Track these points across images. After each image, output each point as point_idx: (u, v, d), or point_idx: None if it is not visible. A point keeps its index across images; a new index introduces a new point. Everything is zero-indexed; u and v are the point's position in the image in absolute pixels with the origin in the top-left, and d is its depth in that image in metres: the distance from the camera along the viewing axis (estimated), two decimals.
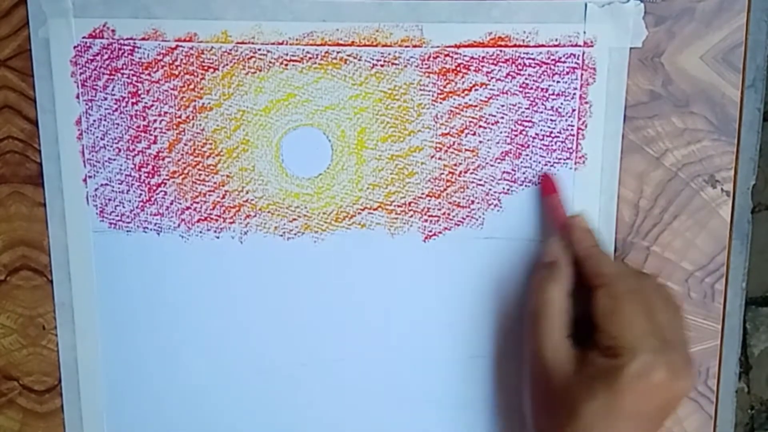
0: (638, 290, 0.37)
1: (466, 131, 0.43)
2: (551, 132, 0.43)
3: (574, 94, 0.42)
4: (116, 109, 0.43)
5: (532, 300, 0.39)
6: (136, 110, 0.43)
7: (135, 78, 0.43)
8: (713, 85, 0.42)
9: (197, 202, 0.44)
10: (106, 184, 0.44)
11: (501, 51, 0.42)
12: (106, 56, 0.43)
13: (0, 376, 0.46)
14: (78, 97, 0.43)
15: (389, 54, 0.42)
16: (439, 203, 0.44)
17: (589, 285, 0.38)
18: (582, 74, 0.42)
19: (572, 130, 0.43)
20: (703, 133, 0.43)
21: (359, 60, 0.42)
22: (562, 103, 0.42)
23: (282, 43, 0.42)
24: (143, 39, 0.42)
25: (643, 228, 0.44)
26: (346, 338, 0.45)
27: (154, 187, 0.44)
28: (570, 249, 0.40)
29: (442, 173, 0.43)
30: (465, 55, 0.42)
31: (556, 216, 0.42)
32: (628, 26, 0.41)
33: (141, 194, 0.44)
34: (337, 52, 0.42)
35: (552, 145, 0.43)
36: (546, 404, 0.38)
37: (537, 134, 0.43)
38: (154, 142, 0.44)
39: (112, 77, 0.43)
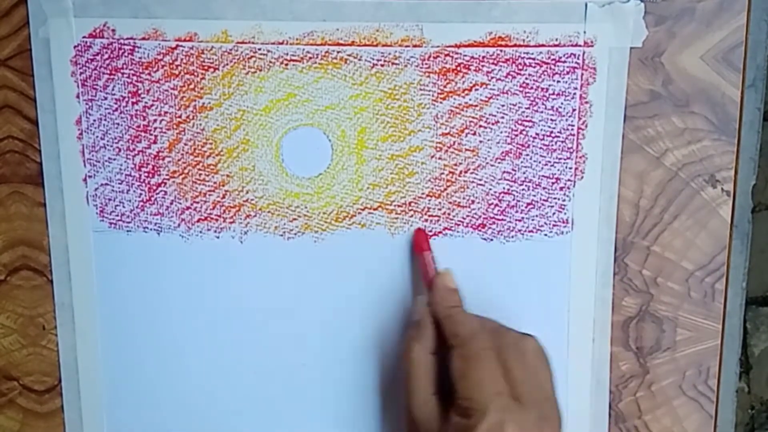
0: (492, 349, 0.37)
1: (467, 131, 0.43)
2: (551, 132, 0.43)
3: (575, 93, 0.42)
4: (116, 109, 0.43)
5: (401, 360, 0.40)
6: (136, 110, 0.43)
7: (135, 78, 0.43)
8: (713, 85, 0.42)
9: (197, 202, 0.44)
10: (106, 184, 0.44)
11: (501, 51, 0.42)
12: (106, 56, 0.43)
13: (0, 376, 0.46)
14: (78, 96, 0.43)
15: (389, 54, 0.42)
16: (439, 203, 0.43)
17: (449, 344, 0.39)
18: (582, 74, 0.42)
19: (572, 129, 0.43)
20: (704, 133, 0.43)
21: (359, 60, 0.42)
22: (562, 103, 0.42)
23: (282, 43, 0.42)
24: (143, 39, 0.42)
25: (644, 228, 0.44)
26: (345, 338, 0.45)
27: (154, 187, 0.44)
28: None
29: (443, 173, 0.43)
30: (465, 55, 0.42)
31: (424, 274, 0.42)
32: (628, 26, 0.41)
33: (141, 194, 0.44)
34: (338, 52, 0.42)
35: (552, 145, 0.43)
36: None
37: (537, 134, 0.43)
38: (154, 142, 0.44)
39: (112, 77, 0.43)
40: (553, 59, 0.42)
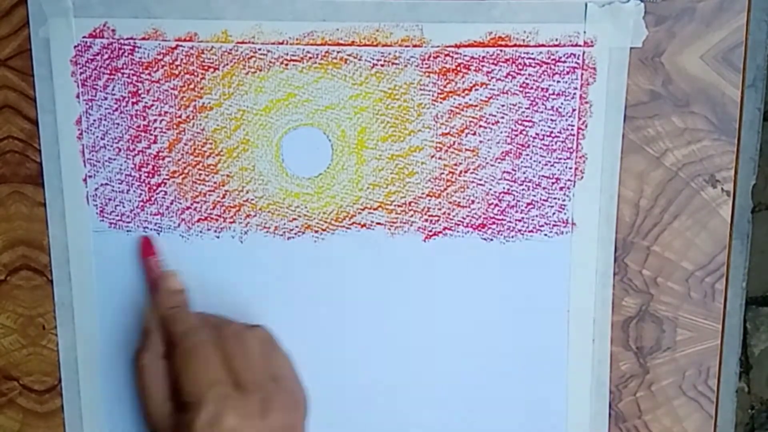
0: (210, 342, 0.38)
1: (467, 131, 0.43)
2: (551, 132, 0.43)
3: (575, 93, 0.42)
4: (116, 109, 0.43)
5: (133, 368, 0.40)
6: (136, 110, 0.43)
7: (135, 78, 0.43)
8: (713, 85, 0.42)
9: (197, 202, 0.44)
10: (106, 184, 0.44)
11: (501, 51, 0.42)
12: (106, 56, 0.43)
13: (0, 376, 0.46)
14: (78, 96, 0.43)
15: (389, 54, 0.42)
16: (440, 203, 0.43)
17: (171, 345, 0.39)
18: (582, 74, 0.42)
19: (572, 129, 0.43)
20: (704, 133, 0.43)
21: (359, 60, 0.42)
22: (562, 103, 0.42)
23: (282, 43, 0.42)
24: (143, 39, 0.42)
25: (644, 227, 0.44)
26: (345, 338, 0.45)
27: (154, 187, 0.44)
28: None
29: (443, 173, 0.43)
30: (465, 55, 0.42)
31: (148, 279, 0.42)
32: (628, 26, 0.41)
33: (141, 194, 0.44)
34: (338, 52, 0.42)
35: (552, 145, 0.43)
36: None
37: (537, 134, 0.43)
38: (154, 142, 0.44)
39: (112, 77, 0.43)
40: (553, 59, 0.42)
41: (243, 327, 0.39)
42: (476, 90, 0.42)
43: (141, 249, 0.43)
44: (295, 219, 0.44)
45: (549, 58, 0.42)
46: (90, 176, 0.44)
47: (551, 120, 0.43)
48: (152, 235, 0.43)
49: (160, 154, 0.44)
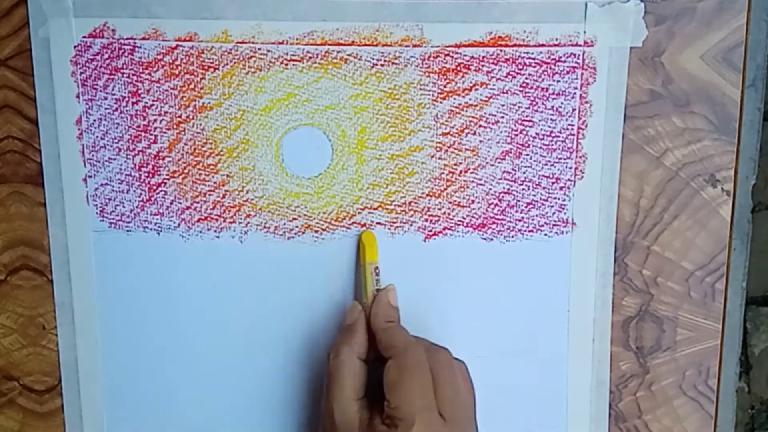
0: (424, 364, 0.38)
1: (467, 131, 0.43)
2: (551, 132, 0.43)
3: (575, 93, 0.42)
4: (116, 109, 0.43)
5: (328, 360, 0.40)
6: (136, 110, 0.43)
7: (135, 78, 0.43)
8: (713, 85, 0.42)
9: (197, 202, 0.44)
10: (106, 184, 0.44)
11: (501, 51, 0.42)
12: (106, 56, 0.43)
13: (0, 376, 0.46)
14: (78, 96, 0.43)
15: (389, 53, 0.42)
16: (440, 203, 0.44)
17: (383, 355, 0.39)
18: (582, 74, 0.42)
19: (572, 129, 0.43)
20: (704, 133, 0.43)
21: (359, 59, 0.42)
22: (562, 103, 0.42)
23: (282, 43, 0.42)
24: (143, 39, 0.42)
25: (644, 227, 0.44)
26: None
27: (154, 187, 0.44)
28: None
29: (443, 173, 0.43)
30: (465, 55, 0.42)
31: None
32: (628, 26, 0.41)
33: (141, 194, 0.44)
34: (338, 52, 0.42)
35: (552, 145, 0.43)
36: None
37: (537, 134, 0.43)
38: (154, 142, 0.44)
39: (112, 77, 0.43)
40: (553, 59, 0.42)
41: (452, 358, 0.40)
42: (476, 90, 0.42)
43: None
44: (295, 219, 0.44)
45: (549, 57, 0.42)
46: (90, 176, 0.44)
47: (551, 120, 0.43)
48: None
49: (160, 154, 0.44)
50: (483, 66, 0.42)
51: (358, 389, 0.39)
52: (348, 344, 0.40)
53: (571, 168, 0.43)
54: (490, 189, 0.43)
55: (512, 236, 0.44)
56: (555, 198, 0.43)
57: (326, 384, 0.40)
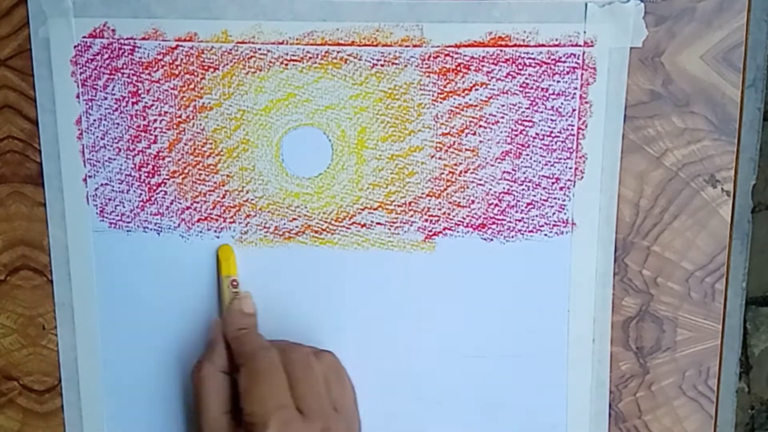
0: (276, 365, 0.38)
1: (467, 131, 0.43)
2: (551, 132, 0.43)
3: (575, 93, 0.42)
4: (116, 109, 0.43)
5: (191, 378, 0.40)
6: (136, 110, 0.43)
7: (135, 78, 0.43)
8: (713, 85, 0.42)
9: (197, 202, 0.44)
10: (106, 184, 0.44)
11: (501, 51, 0.42)
12: (106, 56, 0.43)
13: (0, 376, 0.46)
14: (78, 96, 0.43)
15: (389, 54, 0.42)
16: (440, 203, 0.44)
17: (237, 364, 0.39)
18: (582, 74, 0.42)
19: (572, 129, 0.43)
20: (704, 133, 0.43)
21: (359, 60, 0.42)
22: (562, 103, 0.42)
23: (282, 43, 0.42)
24: (143, 39, 0.42)
25: (644, 227, 0.44)
26: (345, 338, 0.45)
27: (154, 187, 0.44)
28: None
29: (443, 173, 0.43)
30: (465, 55, 0.42)
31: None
32: (628, 26, 0.41)
33: (141, 194, 0.44)
34: (338, 52, 0.42)
35: (552, 145, 0.43)
36: None
37: (537, 134, 0.43)
38: (154, 142, 0.44)
39: (112, 77, 0.43)
40: (553, 59, 0.42)
41: (311, 352, 0.40)
42: (476, 90, 0.42)
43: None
44: (295, 219, 0.44)
45: (549, 58, 0.42)
46: (90, 176, 0.44)
47: (551, 120, 0.43)
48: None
49: (160, 154, 0.44)
50: (483, 66, 0.42)
51: (224, 402, 0.39)
52: (209, 359, 0.40)
53: (571, 168, 0.43)
54: (490, 189, 0.43)
55: (512, 236, 0.44)
56: (555, 198, 0.43)
57: (193, 402, 0.40)
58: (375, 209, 0.44)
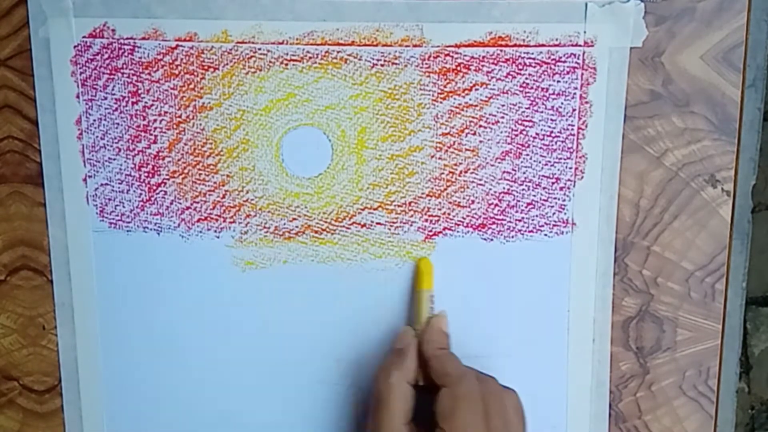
0: (477, 393, 0.38)
1: (467, 131, 0.43)
2: (551, 132, 0.43)
3: (575, 93, 0.42)
4: (116, 109, 0.43)
5: (377, 383, 0.40)
6: (136, 110, 0.43)
7: (135, 77, 0.43)
8: (713, 85, 0.42)
9: (197, 202, 0.44)
10: (106, 184, 0.44)
11: (501, 51, 0.42)
12: (106, 56, 0.43)
13: (0, 376, 0.46)
14: (78, 96, 0.43)
15: (389, 53, 0.42)
16: (440, 203, 0.43)
17: (435, 383, 0.39)
18: (582, 74, 0.42)
19: (572, 129, 0.43)
20: (704, 133, 0.43)
21: (359, 59, 0.42)
22: (562, 103, 0.42)
23: (282, 43, 0.42)
24: (143, 38, 0.42)
25: (644, 227, 0.44)
26: (345, 338, 0.45)
27: (154, 187, 0.44)
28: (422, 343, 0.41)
29: (443, 173, 0.43)
30: (465, 55, 0.42)
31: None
32: (628, 26, 0.41)
33: (141, 194, 0.44)
34: (338, 52, 0.42)
35: (552, 145, 0.43)
36: None
37: (537, 134, 0.43)
38: (154, 142, 0.44)
39: (112, 77, 0.43)
40: (553, 59, 0.42)
41: (503, 388, 0.40)
42: (476, 90, 0.42)
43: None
44: (295, 219, 0.44)
45: (549, 58, 0.42)
46: (90, 176, 0.44)
47: (551, 120, 0.43)
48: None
49: (160, 154, 0.44)
50: (483, 66, 0.42)
51: (407, 414, 0.39)
52: (399, 368, 0.40)
53: (571, 168, 0.43)
54: (490, 189, 0.43)
55: (512, 236, 0.44)
56: (555, 198, 0.43)
57: (373, 407, 0.40)
58: (375, 209, 0.44)
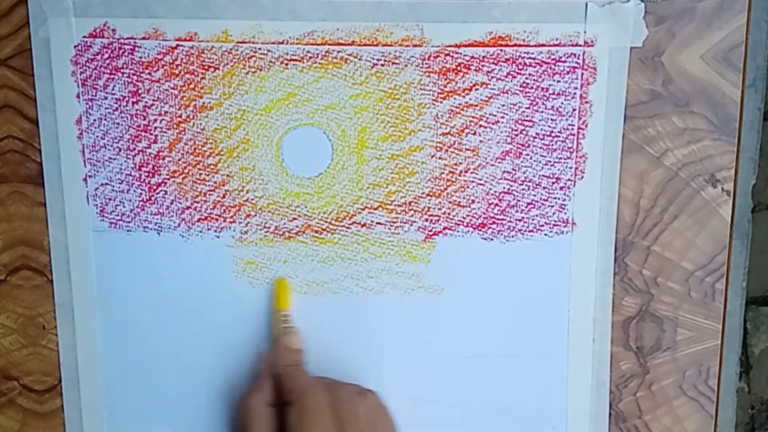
0: (325, 404, 0.39)
1: (467, 131, 0.43)
2: (551, 131, 0.43)
3: (575, 93, 0.42)
4: (116, 109, 0.43)
5: (239, 408, 0.41)
6: (137, 109, 0.43)
7: (135, 77, 0.43)
8: (713, 85, 0.42)
9: (197, 202, 0.44)
10: (107, 184, 0.44)
11: (501, 50, 0.42)
12: (106, 55, 0.43)
13: (0, 376, 0.46)
14: (78, 96, 0.43)
15: (389, 53, 0.42)
16: (440, 203, 0.44)
17: (287, 400, 0.40)
18: (582, 74, 0.42)
19: (573, 129, 0.43)
20: (704, 133, 0.43)
21: (359, 59, 0.42)
22: (562, 103, 0.42)
23: (282, 43, 0.42)
24: (143, 38, 0.42)
25: (644, 227, 0.44)
26: (345, 337, 0.45)
27: (155, 187, 0.44)
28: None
29: (443, 173, 0.43)
30: (465, 55, 0.42)
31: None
32: (628, 26, 0.41)
33: (141, 194, 0.44)
34: (338, 52, 0.42)
35: (552, 145, 0.43)
36: None
37: (537, 134, 0.43)
38: (155, 142, 0.44)
39: (112, 76, 0.43)
40: (553, 59, 0.42)
41: (356, 391, 0.40)
42: (476, 90, 0.42)
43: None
44: (295, 219, 0.44)
45: (549, 57, 0.42)
46: (90, 176, 0.44)
47: (551, 120, 0.43)
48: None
49: (160, 153, 0.44)
50: (483, 66, 0.42)
51: None
52: (254, 390, 0.40)
53: (571, 168, 0.43)
54: (490, 189, 0.43)
55: (512, 236, 0.44)
56: (555, 198, 0.43)
57: (239, 430, 0.40)
58: (375, 209, 0.44)
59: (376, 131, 0.43)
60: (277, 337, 0.43)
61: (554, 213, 0.43)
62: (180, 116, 0.43)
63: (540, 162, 0.43)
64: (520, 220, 0.44)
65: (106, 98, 0.43)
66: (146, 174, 0.44)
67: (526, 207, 0.43)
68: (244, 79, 0.43)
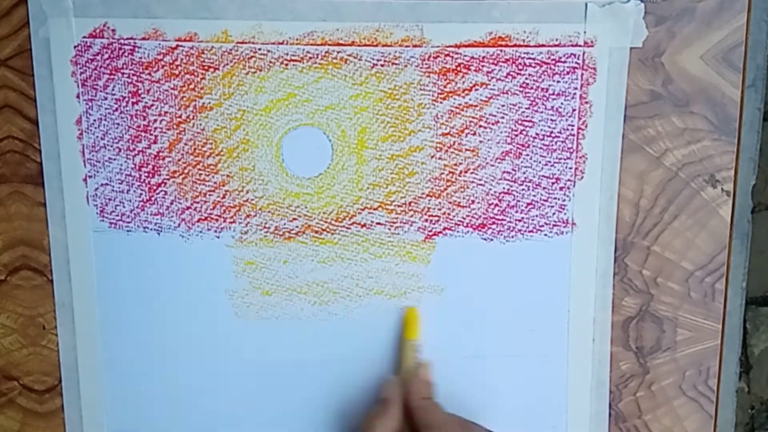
0: None
1: (467, 131, 0.43)
2: (551, 132, 0.43)
3: (575, 93, 0.42)
4: (116, 109, 0.43)
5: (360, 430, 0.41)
6: (137, 110, 0.43)
7: (135, 78, 0.43)
8: (713, 85, 0.42)
9: (197, 202, 0.44)
10: (107, 184, 0.44)
11: (501, 51, 0.42)
12: (106, 56, 0.43)
13: (0, 376, 0.46)
14: (78, 96, 0.43)
15: (389, 54, 0.42)
16: (440, 203, 0.44)
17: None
18: (582, 74, 0.42)
19: (572, 129, 0.43)
20: (704, 133, 0.43)
21: (359, 60, 0.42)
22: (562, 103, 0.42)
23: (282, 43, 0.42)
24: (143, 39, 0.42)
25: (644, 227, 0.44)
26: (345, 338, 0.45)
27: (155, 187, 0.44)
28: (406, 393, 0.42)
29: (443, 173, 0.43)
30: (465, 55, 0.42)
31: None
32: (628, 26, 0.41)
33: (141, 194, 0.44)
34: (338, 52, 0.42)
35: (552, 145, 0.43)
36: None
37: (537, 134, 0.43)
38: (155, 142, 0.44)
39: (112, 77, 0.43)
40: (553, 59, 0.42)
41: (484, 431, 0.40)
42: (476, 90, 0.42)
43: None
44: (295, 219, 0.44)
45: (549, 58, 0.42)
46: (90, 176, 0.44)
47: (551, 120, 0.43)
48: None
49: (160, 154, 0.44)
50: (483, 66, 0.42)
51: None
52: (381, 416, 0.40)
53: (571, 168, 0.43)
54: (490, 189, 0.43)
55: (512, 236, 0.44)
56: (555, 198, 0.43)
57: None
58: (375, 209, 0.44)
59: (376, 131, 0.43)
60: (409, 367, 0.43)
61: (554, 213, 0.43)
62: (180, 116, 0.43)
63: (540, 162, 0.43)
64: (520, 221, 0.44)
65: (106, 98, 0.43)
66: (146, 174, 0.44)
67: (526, 207, 0.43)
68: (244, 79, 0.43)
